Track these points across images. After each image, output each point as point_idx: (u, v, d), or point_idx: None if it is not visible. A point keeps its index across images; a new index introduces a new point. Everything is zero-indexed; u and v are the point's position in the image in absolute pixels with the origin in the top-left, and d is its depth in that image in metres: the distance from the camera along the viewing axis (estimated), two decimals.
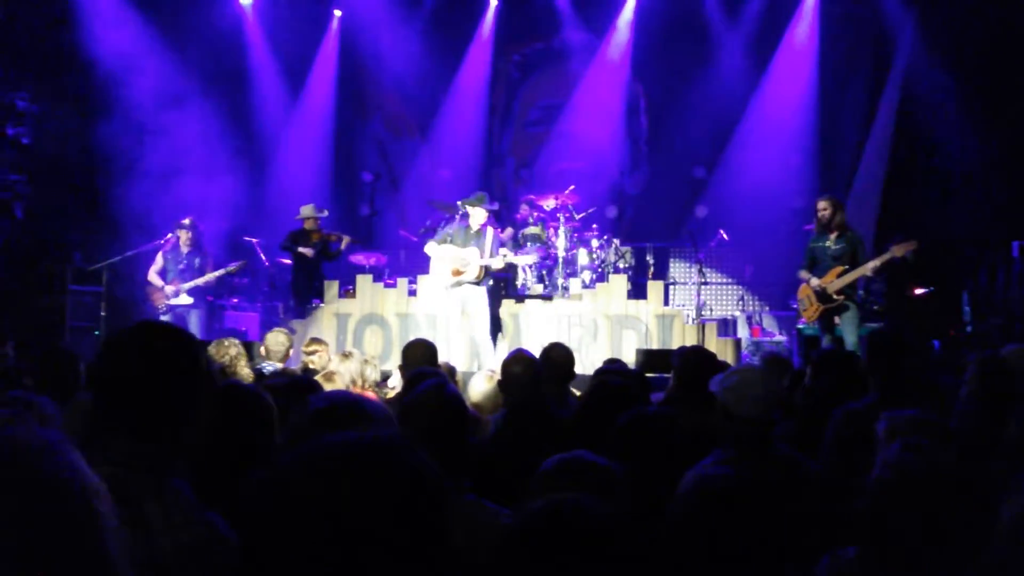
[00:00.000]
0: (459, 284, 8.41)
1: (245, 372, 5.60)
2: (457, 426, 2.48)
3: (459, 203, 9.07)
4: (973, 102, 10.52)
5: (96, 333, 9.79)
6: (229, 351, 5.64)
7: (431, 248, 8.62)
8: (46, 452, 1.10)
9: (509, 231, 10.49)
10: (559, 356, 4.44)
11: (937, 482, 2.02)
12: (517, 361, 4.02)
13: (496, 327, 8.91)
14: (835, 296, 7.73)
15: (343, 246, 10.14)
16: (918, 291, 9.51)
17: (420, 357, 4.63)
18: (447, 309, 8.60)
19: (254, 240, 11.09)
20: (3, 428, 1.12)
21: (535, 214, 10.45)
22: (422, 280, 9.52)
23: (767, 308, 11.32)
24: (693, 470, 2.21)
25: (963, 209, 10.33)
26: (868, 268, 7.75)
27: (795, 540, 2.33)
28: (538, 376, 3.97)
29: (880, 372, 3.75)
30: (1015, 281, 8.68)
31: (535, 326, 9.05)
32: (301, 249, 9.92)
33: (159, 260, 9.45)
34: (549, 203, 10.44)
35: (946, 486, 2.02)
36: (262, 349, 6.79)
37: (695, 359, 3.89)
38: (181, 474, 1.71)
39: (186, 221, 9.52)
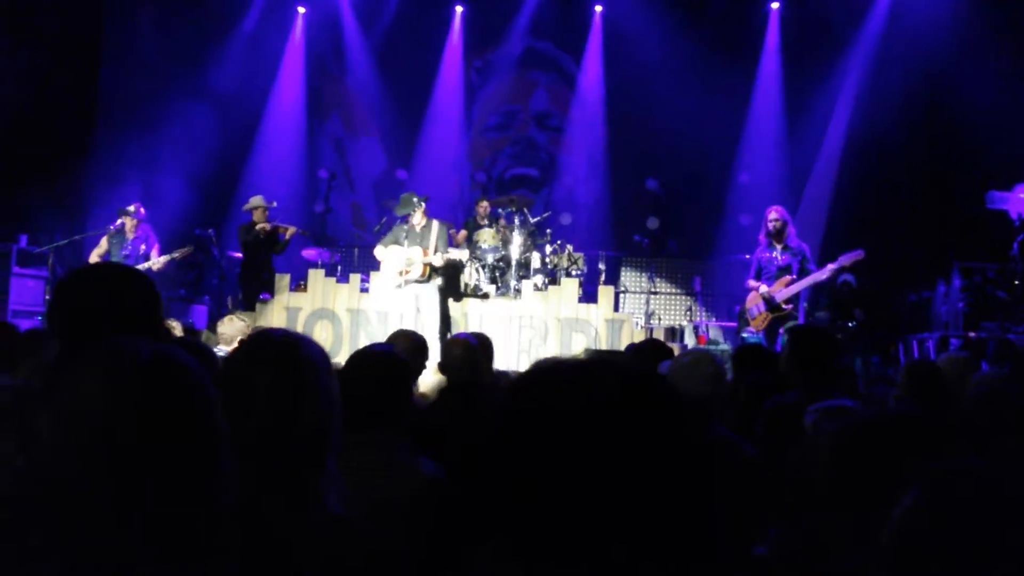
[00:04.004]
0: (406, 283, 8.58)
1: None
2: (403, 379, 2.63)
3: (391, 206, 9.21)
4: (918, 116, 10.84)
5: (39, 318, 9.55)
6: (237, 325, 6.13)
7: (379, 251, 8.86)
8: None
9: (463, 233, 10.54)
10: (489, 339, 4.62)
11: None
12: (456, 344, 4.17)
13: (446, 326, 8.96)
14: (783, 305, 7.91)
15: (288, 236, 9.86)
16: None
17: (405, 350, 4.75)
18: (401, 306, 8.67)
19: (209, 231, 10.92)
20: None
21: (490, 217, 10.52)
22: (374, 276, 9.53)
23: (714, 318, 11.50)
24: None
25: (905, 224, 10.61)
26: (819, 275, 7.94)
27: (730, 518, 2.39)
28: (476, 359, 4.09)
29: (804, 368, 3.82)
30: (953, 298, 8.95)
31: (486, 326, 9.07)
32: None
33: (103, 244, 9.23)
34: (504, 207, 10.54)
35: None
36: (207, 335, 6.79)
37: (651, 346, 3.98)
38: None
39: (131, 208, 9.30)
